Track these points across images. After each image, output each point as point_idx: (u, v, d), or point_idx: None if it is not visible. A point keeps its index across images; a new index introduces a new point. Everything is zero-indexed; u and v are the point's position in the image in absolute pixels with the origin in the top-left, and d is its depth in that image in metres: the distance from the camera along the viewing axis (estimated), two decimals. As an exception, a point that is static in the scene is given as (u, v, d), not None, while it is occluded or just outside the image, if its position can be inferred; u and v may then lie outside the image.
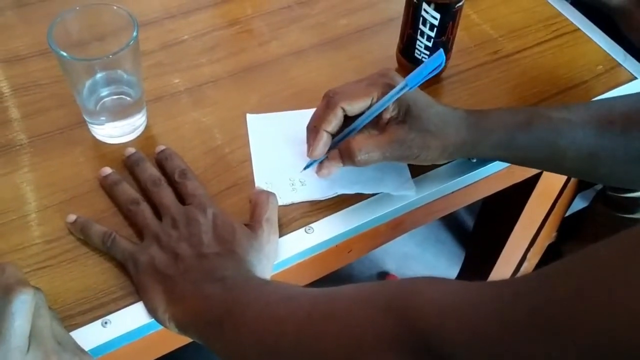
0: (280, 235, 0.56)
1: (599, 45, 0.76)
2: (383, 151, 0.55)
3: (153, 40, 0.73)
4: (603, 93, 0.70)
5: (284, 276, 0.57)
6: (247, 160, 0.62)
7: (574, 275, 0.30)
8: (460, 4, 0.63)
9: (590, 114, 0.57)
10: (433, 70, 0.53)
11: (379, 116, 0.56)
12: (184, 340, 0.53)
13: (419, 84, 0.54)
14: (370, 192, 0.60)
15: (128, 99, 0.62)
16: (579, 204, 1.13)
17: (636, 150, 0.55)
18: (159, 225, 0.54)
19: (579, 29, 0.77)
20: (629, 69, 0.73)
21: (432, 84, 0.67)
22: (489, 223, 1.07)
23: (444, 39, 0.65)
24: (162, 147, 0.61)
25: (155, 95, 0.67)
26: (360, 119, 0.56)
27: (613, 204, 1.02)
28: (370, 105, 0.56)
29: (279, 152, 0.63)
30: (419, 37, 0.66)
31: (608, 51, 0.75)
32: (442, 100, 0.65)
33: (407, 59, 0.69)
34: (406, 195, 0.60)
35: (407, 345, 0.36)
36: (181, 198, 0.57)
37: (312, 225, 0.58)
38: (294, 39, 0.74)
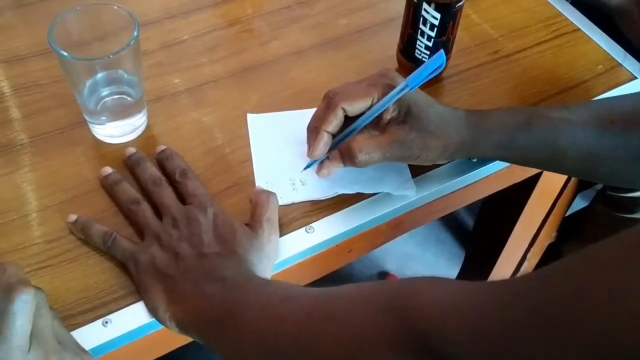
0: (281, 235, 0.56)
1: (599, 45, 0.76)
2: (383, 152, 0.55)
3: (153, 40, 0.73)
4: (603, 93, 0.70)
5: (284, 276, 0.57)
6: (248, 160, 0.62)
7: (574, 275, 0.30)
8: (461, 3, 0.63)
9: (590, 113, 0.57)
10: (434, 71, 0.53)
11: (380, 116, 0.56)
12: (185, 339, 0.53)
13: (419, 85, 0.54)
14: (371, 192, 0.60)
15: (129, 98, 0.62)
16: (579, 204, 1.13)
17: (636, 149, 0.55)
18: (160, 225, 0.54)
19: (579, 28, 0.77)
20: (629, 68, 0.73)
21: (432, 84, 0.67)
22: (489, 223, 1.07)
23: (444, 38, 0.66)
24: (162, 147, 0.61)
25: (156, 95, 0.67)
26: (360, 119, 0.57)
27: (613, 204, 1.02)
28: (371, 106, 0.56)
29: (279, 152, 0.63)
30: (419, 37, 0.66)
31: (608, 51, 0.75)
32: (442, 100, 0.65)
33: (408, 58, 0.69)
34: (406, 195, 0.60)
35: (407, 345, 0.36)
36: (182, 198, 0.57)
37: (312, 225, 0.58)
38: (294, 39, 0.74)
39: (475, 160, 0.63)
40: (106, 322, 0.51)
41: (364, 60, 0.72)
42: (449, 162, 0.62)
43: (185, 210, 0.55)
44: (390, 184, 0.60)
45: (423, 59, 0.67)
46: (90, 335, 0.50)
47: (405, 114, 0.56)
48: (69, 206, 0.58)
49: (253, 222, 0.55)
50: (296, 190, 0.60)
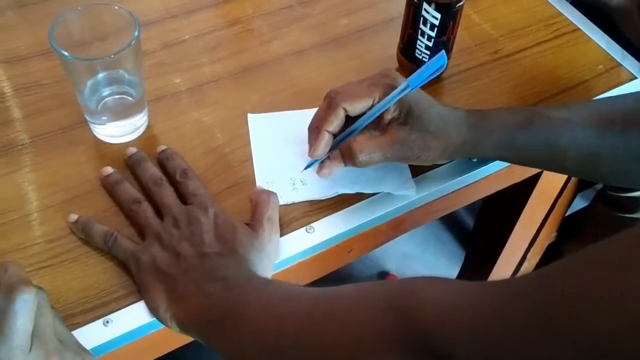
0: (281, 235, 0.57)
1: (599, 45, 0.76)
2: (384, 152, 0.55)
3: (154, 40, 0.73)
4: (603, 92, 0.71)
5: (284, 275, 0.57)
6: (248, 159, 0.62)
7: (574, 275, 0.30)
8: (461, 3, 0.63)
9: (590, 113, 0.57)
10: (435, 72, 0.53)
11: (381, 117, 0.56)
12: (186, 339, 0.53)
13: (420, 85, 0.54)
14: (371, 192, 0.60)
15: (129, 98, 0.62)
16: (579, 204, 1.13)
17: (636, 149, 0.55)
18: (161, 225, 0.54)
19: (579, 28, 0.77)
20: (628, 68, 0.73)
21: (432, 84, 0.67)
22: (489, 223, 1.07)
23: (444, 38, 0.66)
24: (163, 147, 0.61)
25: (157, 95, 0.67)
26: (361, 119, 0.57)
27: (613, 204, 1.02)
28: (372, 106, 0.56)
29: (279, 152, 0.63)
30: (419, 37, 0.66)
31: (608, 51, 0.75)
32: (442, 99, 0.65)
33: (408, 58, 0.69)
34: (406, 195, 0.60)
35: (407, 344, 0.36)
36: (182, 198, 0.57)
37: (312, 224, 0.58)
38: (295, 39, 0.75)
39: (475, 160, 0.63)
40: (107, 322, 0.51)
41: (364, 60, 0.72)
42: (449, 162, 0.62)
43: (186, 210, 0.55)
44: (391, 184, 0.60)
45: (423, 59, 0.67)
46: (91, 335, 0.50)
47: (406, 115, 0.56)
48: (70, 206, 0.58)
49: (254, 222, 0.55)
50: (296, 190, 0.60)
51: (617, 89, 0.71)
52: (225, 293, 0.49)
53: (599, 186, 1.10)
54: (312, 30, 0.76)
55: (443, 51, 0.54)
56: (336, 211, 0.59)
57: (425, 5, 0.63)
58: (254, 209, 0.56)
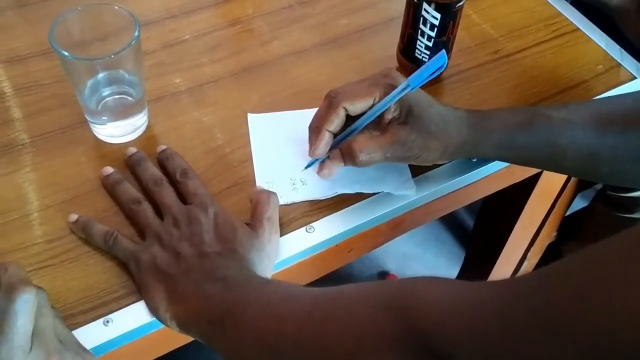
0: (281, 235, 0.57)
1: (598, 45, 0.76)
2: (384, 152, 0.55)
3: (154, 40, 0.73)
4: (603, 92, 0.71)
5: (284, 275, 0.57)
6: (248, 159, 0.62)
7: (574, 275, 0.30)
8: (461, 3, 0.63)
9: (590, 113, 0.57)
10: (435, 71, 0.53)
11: (381, 116, 0.56)
12: (186, 339, 0.53)
13: (420, 85, 0.54)
14: (371, 192, 0.60)
15: (129, 98, 0.62)
16: (579, 204, 1.13)
17: (636, 149, 0.55)
18: (161, 225, 0.54)
19: (578, 28, 0.78)
20: (628, 68, 0.73)
21: (432, 84, 0.67)
22: (489, 223, 1.07)
23: (444, 38, 0.66)
24: (163, 147, 0.61)
25: (157, 95, 0.67)
26: (361, 119, 0.57)
27: (613, 204, 1.02)
28: (372, 106, 0.56)
29: (279, 152, 0.63)
30: (419, 37, 0.66)
31: (608, 51, 0.75)
32: (442, 99, 0.65)
33: (408, 58, 0.69)
34: (406, 195, 0.60)
35: (408, 344, 0.36)
36: (182, 197, 0.57)
37: (312, 224, 0.58)
38: (295, 39, 0.75)
39: (475, 160, 0.63)
40: (107, 322, 0.51)
41: (364, 60, 0.72)
42: (449, 162, 0.62)
43: (186, 210, 0.55)
44: (391, 184, 0.60)
45: (423, 59, 0.67)
46: (91, 335, 0.50)
47: (407, 114, 0.56)
48: (70, 206, 0.58)
49: (254, 222, 0.55)
50: (296, 190, 0.60)
51: (616, 88, 0.71)
52: (225, 293, 0.49)
53: (599, 186, 1.10)
54: (312, 30, 0.76)
55: (443, 51, 0.54)
56: (336, 211, 0.59)
57: (425, 5, 0.63)
58: (254, 208, 0.56)
